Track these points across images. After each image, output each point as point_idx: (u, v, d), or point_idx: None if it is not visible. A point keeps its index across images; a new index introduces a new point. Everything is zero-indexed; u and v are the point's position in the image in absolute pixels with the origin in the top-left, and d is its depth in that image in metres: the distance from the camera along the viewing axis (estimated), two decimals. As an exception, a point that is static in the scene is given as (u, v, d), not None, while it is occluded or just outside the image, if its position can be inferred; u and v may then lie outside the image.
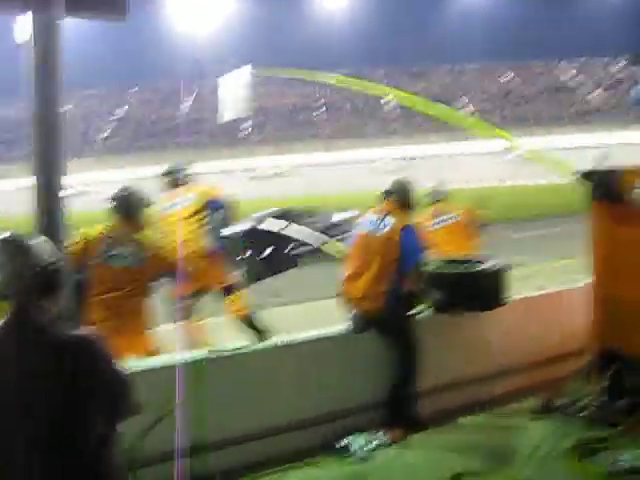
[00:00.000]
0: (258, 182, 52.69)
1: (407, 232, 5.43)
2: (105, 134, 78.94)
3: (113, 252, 4.98)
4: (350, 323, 5.39)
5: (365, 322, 5.34)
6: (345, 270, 5.60)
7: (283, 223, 10.20)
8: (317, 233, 9.83)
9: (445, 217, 7.94)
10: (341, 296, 5.57)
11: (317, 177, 54.16)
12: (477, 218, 8.17)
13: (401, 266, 5.37)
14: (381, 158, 59.60)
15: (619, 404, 5.14)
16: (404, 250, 5.37)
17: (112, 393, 2.29)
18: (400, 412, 5.27)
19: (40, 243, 2.32)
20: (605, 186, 5.17)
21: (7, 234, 2.31)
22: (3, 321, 2.23)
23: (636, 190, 5.04)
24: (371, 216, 5.63)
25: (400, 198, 5.62)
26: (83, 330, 2.34)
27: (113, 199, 5.22)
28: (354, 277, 5.48)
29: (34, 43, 3.67)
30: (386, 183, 5.78)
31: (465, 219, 8.02)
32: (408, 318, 5.49)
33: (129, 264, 4.99)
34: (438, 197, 8.41)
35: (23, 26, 3.87)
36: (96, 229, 5.11)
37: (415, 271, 5.40)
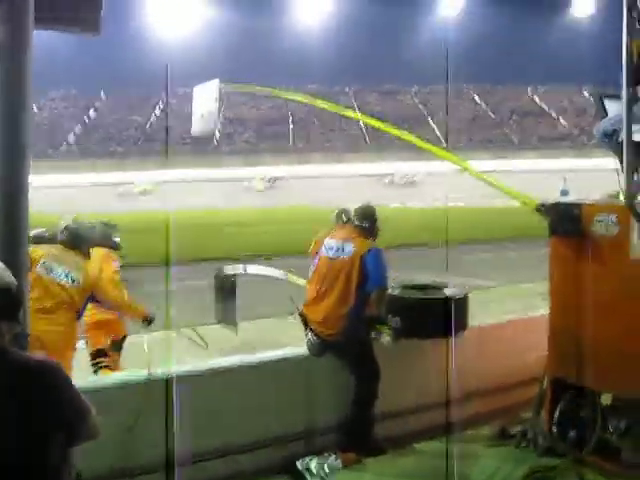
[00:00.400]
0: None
1: (370, 256, 5.45)
2: (72, 138, 78.09)
3: (51, 266, 5.34)
4: (308, 346, 5.41)
5: (324, 345, 5.36)
6: (307, 294, 5.65)
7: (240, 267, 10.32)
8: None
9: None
10: (301, 319, 5.60)
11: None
12: None
13: (363, 290, 5.40)
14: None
15: (570, 435, 5.22)
16: (367, 273, 5.40)
17: (71, 418, 2.27)
18: (357, 436, 5.29)
19: None
20: (564, 220, 5.27)
21: None
22: None
23: (595, 224, 5.14)
24: (331, 241, 5.67)
25: (364, 224, 5.66)
26: (39, 354, 2.34)
27: (65, 229, 5.63)
28: (315, 301, 5.52)
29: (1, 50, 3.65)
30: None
31: None
32: (369, 342, 5.52)
33: (64, 281, 5.34)
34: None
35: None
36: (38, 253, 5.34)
37: (377, 295, 5.42)
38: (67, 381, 2.29)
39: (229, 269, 9.40)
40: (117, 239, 6.91)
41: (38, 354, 2.35)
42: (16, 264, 3.35)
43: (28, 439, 2.14)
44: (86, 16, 4.09)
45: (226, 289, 8.92)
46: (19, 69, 3.66)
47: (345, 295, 5.37)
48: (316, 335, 5.40)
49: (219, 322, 8.82)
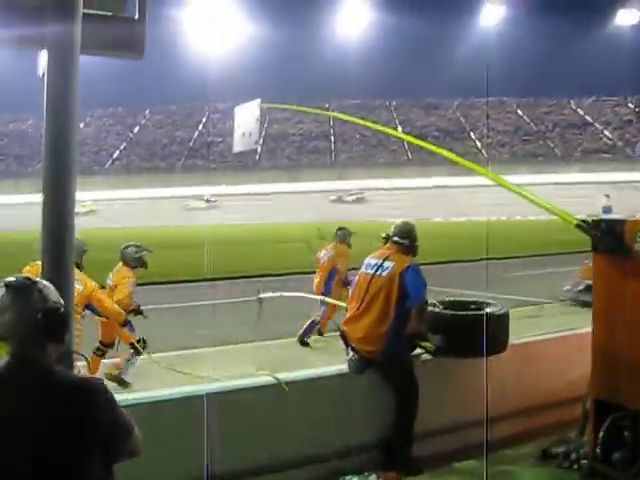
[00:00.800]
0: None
1: (409, 272, 5.46)
2: (116, 154, 79.43)
3: None
4: (350, 363, 5.42)
5: (364, 363, 5.37)
6: (347, 312, 5.68)
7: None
8: None
9: None
10: (341, 337, 5.62)
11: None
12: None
13: (404, 307, 5.40)
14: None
15: (615, 457, 5.13)
16: (407, 291, 5.40)
17: (114, 437, 2.32)
18: (397, 455, 5.27)
19: (44, 286, 2.37)
20: (607, 237, 5.19)
21: (11, 278, 2.36)
22: (4, 364, 2.28)
23: (638, 241, 5.06)
24: (370, 260, 5.71)
25: (404, 242, 5.70)
26: (85, 375, 2.40)
27: None
28: (355, 318, 5.55)
29: (48, 77, 3.76)
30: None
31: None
32: (409, 360, 5.52)
33: None
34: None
35: (42, 60, 4.00)
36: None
37: (418, 311, 5.42)
38: (111, 400, 2.34)
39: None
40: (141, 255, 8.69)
41: (85, 375, 2.41)
42: (62, 284, 3.43)
43: (71, 456, 2.20)
44: (130, 41, 4.20)
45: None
46: (66, 94, 3.76)
47: (385, 312, 5.38)
48: (356, 353, 5.41)
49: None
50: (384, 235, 5.83)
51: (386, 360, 5.35)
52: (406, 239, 5.72)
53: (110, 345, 8.37)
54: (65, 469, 2.20)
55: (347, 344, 5.53)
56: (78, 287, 6.33)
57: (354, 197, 66.42)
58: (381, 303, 5.41)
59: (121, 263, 8.67)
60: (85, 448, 2.23)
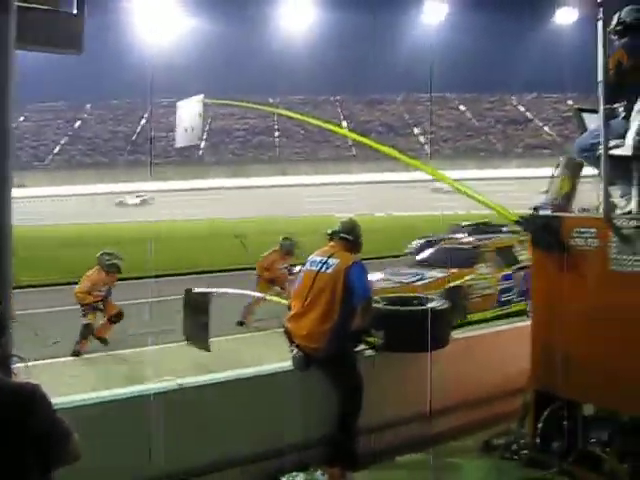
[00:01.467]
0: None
1: (354, 269, 5.47)
2: (57, 149, 77.77)
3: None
4: (293, 361, 5.43)
5: (309, 359, 5.39)
6: (291, 309, 5.67)
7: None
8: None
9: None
10: (285, 334, 5.63)
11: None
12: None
13: (348, 304, 5.42)
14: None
15: (553, 446, 5.27)
16: (352, 287, 5.41)
17: (51, 442, 2.28)
18: (342, 451, 5.30)
19: None
20: (545, 233, 5.31)
21: None
22: None
23: (575, 237, 5.20)
24: (315, 257, 5.71)
25: (348, 238, 5.71)
26: (21, 379, 2.35)
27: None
28: (299, 315, 5.54)
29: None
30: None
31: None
32: (353, 356, 5.55)
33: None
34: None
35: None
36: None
37: (364, 307, 5.43)
38: (48, 404, 2.29)
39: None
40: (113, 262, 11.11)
41: (19, 378, 2.36)
42: (1, 283, 3.34)
43: (8, 461, 2.15)
44: (68, 36, 4.13)
45: (197, 307, 8.91)
46: (1, 89, 3.66)
47: (329, 309, 5.39)
48: (300, 349, 5.43)
49: (187, 340, 8.78)
50: (329, 232, 5.84)
51: (330, 357, 5.36)
52: (350, 235, 5.73)
53: None
54: (4, 474, 2.15)
55: (291, 341, 5.54)
56: None
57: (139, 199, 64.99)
58: (325, 300, 5.42)
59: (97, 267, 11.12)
60: (22, 453, 2.19)
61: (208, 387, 5.03)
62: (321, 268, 5.56)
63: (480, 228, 20.45)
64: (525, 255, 12.08)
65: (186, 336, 8.76)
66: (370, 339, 5.63)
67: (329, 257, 5.60)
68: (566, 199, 5.63)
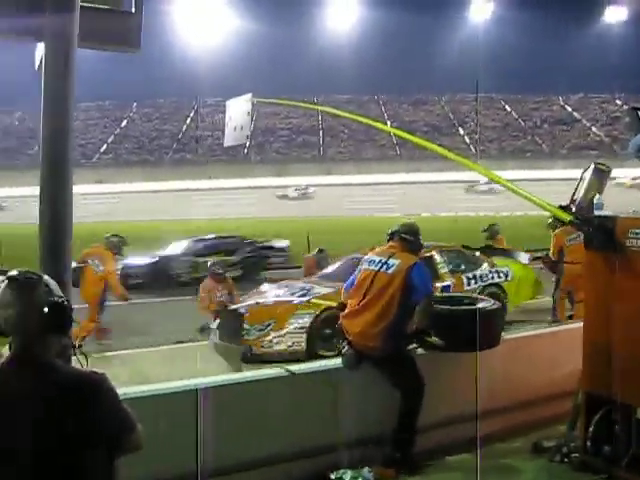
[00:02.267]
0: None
1: (416, 269, 5.45)
2: (104, 147, 79.06)
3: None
4: (343, 359, 5.43)
5: (359, 358, 5.38)
6: (347, 307, 5.67)
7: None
8: None
9: None
10: (339, 330, 5.66)
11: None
12: None
13: (406, 304, 5.38)
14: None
15: (605, 451, 5.18)
16: (412, 286, 5.39)
17: (116, 431, 2.32)
18: (400, 452, 5.27)
19: (46, 280, 2.37)
20: (600, 234, 5.23)
21: (13, 272, 2.35)
22: (7, 358, 2.28)
23: (629, 238, 5.11)
24: (374, 257, 5.69)
25: (410, 239, 5.70)
26: (87, 368, 2.40)
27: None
28: (355, 313, 5.53)
29: (45, 70, 3.77)
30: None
31: None
32: (410, 356, 5.51)
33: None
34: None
35: (39, 53, 4.01)
36: None
37: (423, 308, 5.38)
38: (113, 394, 2.33)
39: None
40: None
41: (87, 368, 2.41)
42: (61, 276, 3.43)
43: (74, 450, 2.20)
44: (126, 34, 4.20)
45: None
46: (63, 87, 3.76)
47: (387, 309, 5.37)
48: (353, 347, 5.42)
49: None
50: (388, 232, 5.82)
51: (387, 356, 5.33)
52: (410, 235, 5.72)
53: None
54: (68, 463, 2.20)
55: (344, 338, 5.54)
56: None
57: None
58: (384, 300, 5.39)
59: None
60: (88, 442, 2.23)
61: (255, 383, 5.08)
62: (381, 268, 5.54)
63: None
64: (447, 268, 10.81)
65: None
66: (431, 339, 5.55)
67: (389, 257, 5.58)
68: (591, 204, 5.58)
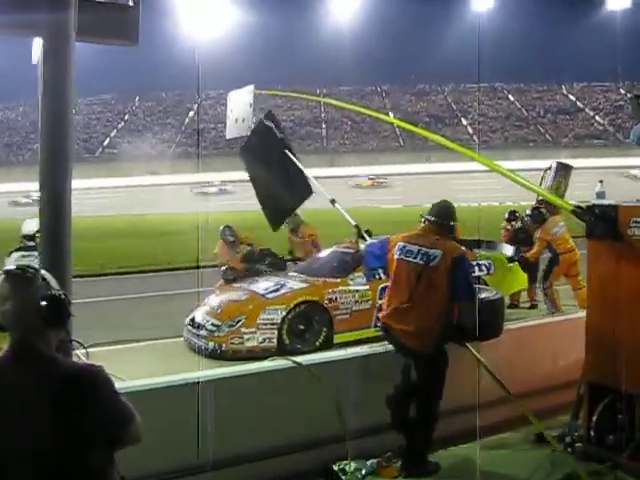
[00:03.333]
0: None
1: (459, 263, 5.12)
2: (107, 141, 79.04)
3: None
4: (398, 363, 5.28)
5: (405, 354, 5.23)
6: (389, 301, 5.36)
7: None
8: None
9: None
10: (383, 329, 5.42)
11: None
12: None
13: (453, 299, 5.10)
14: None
15: (608, 440, 5.18)
16: (458, 282, 5.07)
17: (115, 423, 2.33)
18: (413, 457, 5.20)
19: (43, 274, 2.37)
20: (602, 224, 5.22)
21: (11, 267, 2.37)
22: (4, 352, 2.28)
23: (632, 227, 5.10)
24: (410, 246, 5.24)
25: (443, 224, 5.29)
26: (85, 361, 2.41)
27: None
28: (403, 311, 5.17)
29: (43, 64, 3.77)
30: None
31: None
32: (446, 359, 5.24)
33: None
34: None
35: (37, 47, 4.01)
36: None
37: (468, 304, 5.10)
38: (110, 386, 2.34)
39: None
40: None
41: (85, 361, 2.42)
42: (61, 269, 3.44)
43: (73, 442, 2.20)
44: (125, 28, 4.19)
45: None
46: (62, 81, 3.76)
47: (442, 306, 5.08)
48: (401, 347, 5.21)
49: None
50: (423, 216, 5.53)
51: (429, 356, 5.10)
52: (445, 220, 5.28)
53: None
54: (67, 456, 2.21)
55: (389, 339, 5.33)
56: None
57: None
58: (437, 296, 5.06)
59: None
60: (87, 435, 2.24)
61: (265, 374, 5.10)
62: (425, 260, 5.12)
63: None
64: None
65: None
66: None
67: (429, 247, 5.15)
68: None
